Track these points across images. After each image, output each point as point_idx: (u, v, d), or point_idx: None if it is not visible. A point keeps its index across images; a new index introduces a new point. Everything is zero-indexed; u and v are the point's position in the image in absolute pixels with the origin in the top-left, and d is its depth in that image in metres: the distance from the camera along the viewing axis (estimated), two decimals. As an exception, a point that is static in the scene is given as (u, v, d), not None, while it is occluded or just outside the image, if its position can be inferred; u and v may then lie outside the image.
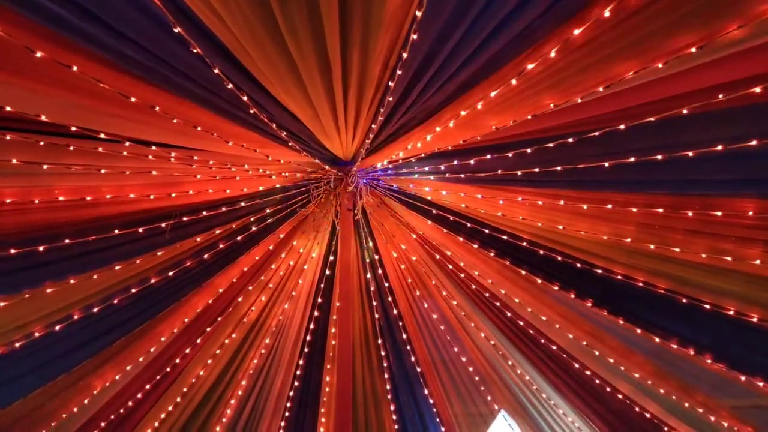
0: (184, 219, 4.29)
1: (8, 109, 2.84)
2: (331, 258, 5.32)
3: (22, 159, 3.19)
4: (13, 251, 3.59)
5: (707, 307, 3.85)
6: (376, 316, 5.68)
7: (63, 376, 4.47)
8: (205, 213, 4.42)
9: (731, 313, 3.77)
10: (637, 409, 5.02)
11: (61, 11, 2.44)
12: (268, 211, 4.84)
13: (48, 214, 3.74)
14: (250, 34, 2.69)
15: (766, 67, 2.54)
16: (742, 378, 3.99)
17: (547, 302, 4.76)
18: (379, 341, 5.82)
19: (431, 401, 6.02)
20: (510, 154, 3.74)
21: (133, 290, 4.42)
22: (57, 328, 4.16)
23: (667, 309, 4.07)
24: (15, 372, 4.25)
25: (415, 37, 2.64)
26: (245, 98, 3.22)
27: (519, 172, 3.86)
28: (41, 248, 3.70)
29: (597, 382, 5.06)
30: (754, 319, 3.70)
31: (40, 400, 4.51)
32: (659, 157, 3.19)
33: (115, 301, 4.38)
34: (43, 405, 4.54)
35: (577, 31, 2.57)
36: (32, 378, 4.34)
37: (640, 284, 4.10)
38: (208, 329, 5.29)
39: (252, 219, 4.81)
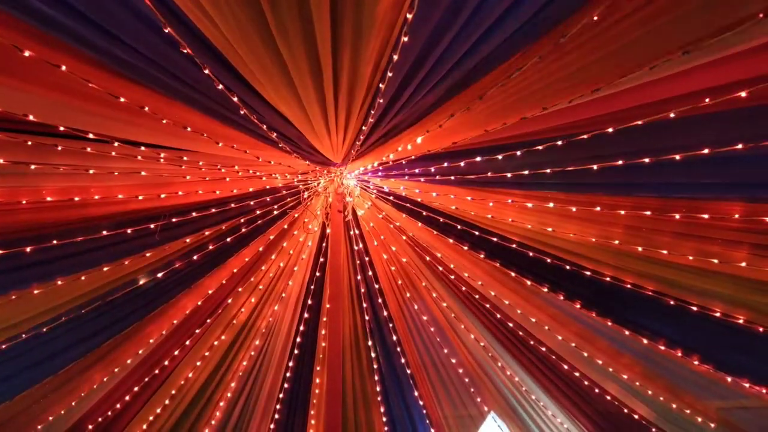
0: (174, 220, 4.27)
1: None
2: (321, 260, 5.31)
3: (10, 159, 3.17)
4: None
5: (694, 308, 3.89)
6: (367, 317, 5.68)
7: (50, 378, 4.44)
8: (194, 214, 4.40)
9: (718, 314, 3.81)
10: (625, 411, 5.05)
11: (50, 11, 2.43)
12: (258, 212, 4.82)
13: (35, 214, 3.70)
14: (240, 35, 2.69)
15: (751, 72, 2.57)
16: (729, 379, 4.04)
17: (537, 304, 4.79)
18: (369, 343, 5.82)
19: (421, 403, 6.03)
20: (500, 157, 3.75)
21: (122, 292, 4.39)
22: (44, 329, 4.13)
23: (655, 311, 4.11)
24: (1, 374, 4.21)
25: (406, 39, 2.64)
26: (235, 99, 3.21)
27: (509, 175, 3.88)
28: (28, 249, 3.67)
29: (586, 383, 5.09)
30: (741, 321, 3.74)
31: (27, 402, 4.46)
32: (647, 160, 3.22)
33: (103, 303, 4.35)
34: (30, 407, 4.50)
35: (566, 35, 2.59)
36: (19, 380, 4.31)
37: (629, 286, 4.14)
38: (197, 331, 5.26)
39: (242, 220, 4.79)
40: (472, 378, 5.87)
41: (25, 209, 3.63)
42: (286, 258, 5.35)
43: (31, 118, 2.94)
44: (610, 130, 3.15)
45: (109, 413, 5.21)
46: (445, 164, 4.08)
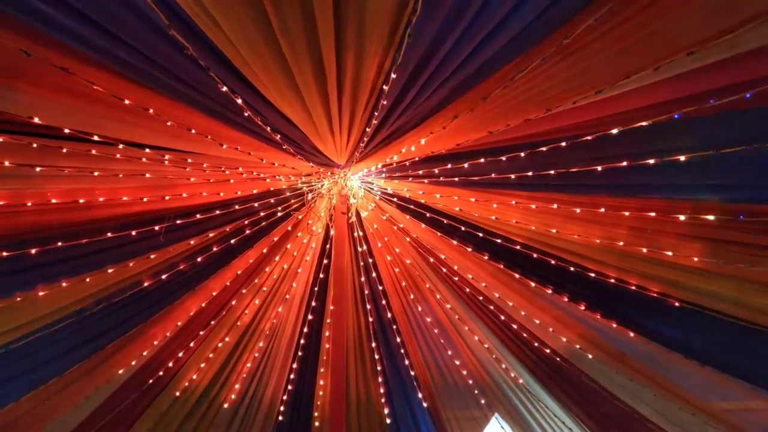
0: (178, 222, 4.28)
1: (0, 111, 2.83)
2: (325, 261, 5.31)
3: (15, 161, 3.18)
4: (5, 254, 3.57)
5: (698, 310, 3.87)
6: (370, 319, 5.68)
7: (55, 379, 4.45)
8: (198, 216, 4.41)
9: (723, 316, 3.79)
10: (629, 412, 5.03)
11: (55, 13, 2.44)
12: (262, 214, 4.83)
13: (40, 216, 3.72)
14: (243, 36, 2.70)
15: (755, 73, 2.57)
16: (733, 381, 4.01)
17: (541, 305, 4.78)
18: (373, 345, 5.82)
19: (425, 405, 6.02)
20: (504, 158, 3.75)
21: (126, 293, 4.40)
22: (49, 331, 4.13)
23: (659, 312, 4.10)
24: (6, 375, 4.22)
25: (409, 40, 2.65)
26: (239, 101, 3.22)
27: (512, 176, 3.87)
28: (33, 251, 3.68)
29: (590, 385, 5.07)
30: (745, 323, 3.72)
31: (32, 403, 4.47)
32: (651, 161, 3.21)
33: (108, 304, 4.36)
34: (35, 408, 4.51)
35: (569, 37, 2.59)
36: (24, 381, 4.31)
37: (633, 287, 4.12)
38: (202, 333, 5.27)
39: (246, 222, 4.80)
40: (476, 380, 5.85)
41: (30, 211, 3.65)
42: (290, 260, 5.36)
43: (36, 120, 2.95)
44: (615, 131, 3.15)
45: (114, 415, 5.21)
46: (449, 166, 4.08)
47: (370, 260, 5.38)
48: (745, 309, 3.72)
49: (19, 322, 4.01)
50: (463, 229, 4.71)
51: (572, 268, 4.35)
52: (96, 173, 3.58)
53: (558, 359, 5.08)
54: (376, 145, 4.03)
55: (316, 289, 5.50)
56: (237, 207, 4.64)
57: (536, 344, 5.12)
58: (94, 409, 5.02)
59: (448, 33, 2.73)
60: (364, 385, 6.01)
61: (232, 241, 4.79)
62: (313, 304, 5.55)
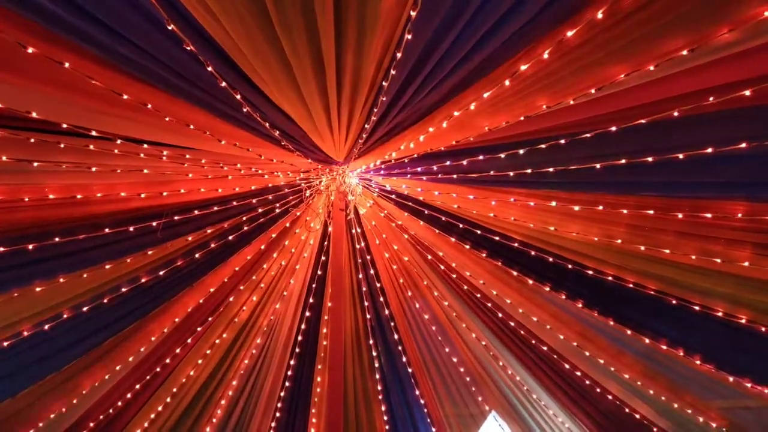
0: (176, 218, 4.27)
1: (-1, 105, 2.82)
2: (323, 258, 5.31)
3: (12, 156, 3.17)
4: (1, 249, 3.56)
5: (696, 308, 3.89)
6: (368, 316, 5.68)
7: (52, 375, 4.44)
8: (196, 212, 4.40)
9: (720, 314, 3.81)
10: (626, 410, 5.05)
11: (54, 7, 2.43)
12: (260, 210, 4.82)
13: (38, 212, 3.71)
14: (243, 32, 2.69)
15: (755, 71, 2.57)
16: (731, 379, 4.04)
17: (539, 303, 4.78)
18: (371, 342, 5.82)
19: (422, 401, 6.02)
20: (502, 155, 3.75)
21: (124, 289, 4.40)
22: (46, 327, 4.13)
23: (657, 310, 4.11)
24: (3, 371, 4.21)
25: (409, 37, 2.64)
26: (238, 97, 3.21)
27: (511, 173, 3.87)
28: (30, 246, 3.67)
29: (587, 382, 5.08)
30: (743, 321, 3.74)
31: (29, 399, 4.47)
32: (650, 159, 3.22)
33: (105, 301, 4.36)
34: (32, 404, 4.50)
35: (570, 33, 2.59)
36: (21, 377, 4.31)
37: (631, 285, 4.13)
38: (199, 329, 5.26)
39: (244, 218, 4.79)
40: (474, 377, 5.86)
41: (27, 207, 3.64)
42: (288, 256, 5.35)
43: (33, 115, 2.94)
44: (614, 128, 3.15)
45: (111, 411, 5.21)
46: (448, 163, 4.08)
47: (368, 257, 5.37)
48: (743, 307, 3.74)
49: (16, 318, 4.00)
50: (461, 226, 4.71)
51: (570, 266, 4.36)
52: (94, 169, 3.57)
53: (555, 356, 5.09)
54: (374, 141, 4.02)
55: (313, 285, 5.50)
56: (235, 203, 4.63)
57: (533, 341, 5.13)
58: (91, 405, 5.01)
59: (448, 29, 2.73)
60: (362, 381, 6.01)
61: (230, 238, 4.78)
62: (311, 300, 5.55)
